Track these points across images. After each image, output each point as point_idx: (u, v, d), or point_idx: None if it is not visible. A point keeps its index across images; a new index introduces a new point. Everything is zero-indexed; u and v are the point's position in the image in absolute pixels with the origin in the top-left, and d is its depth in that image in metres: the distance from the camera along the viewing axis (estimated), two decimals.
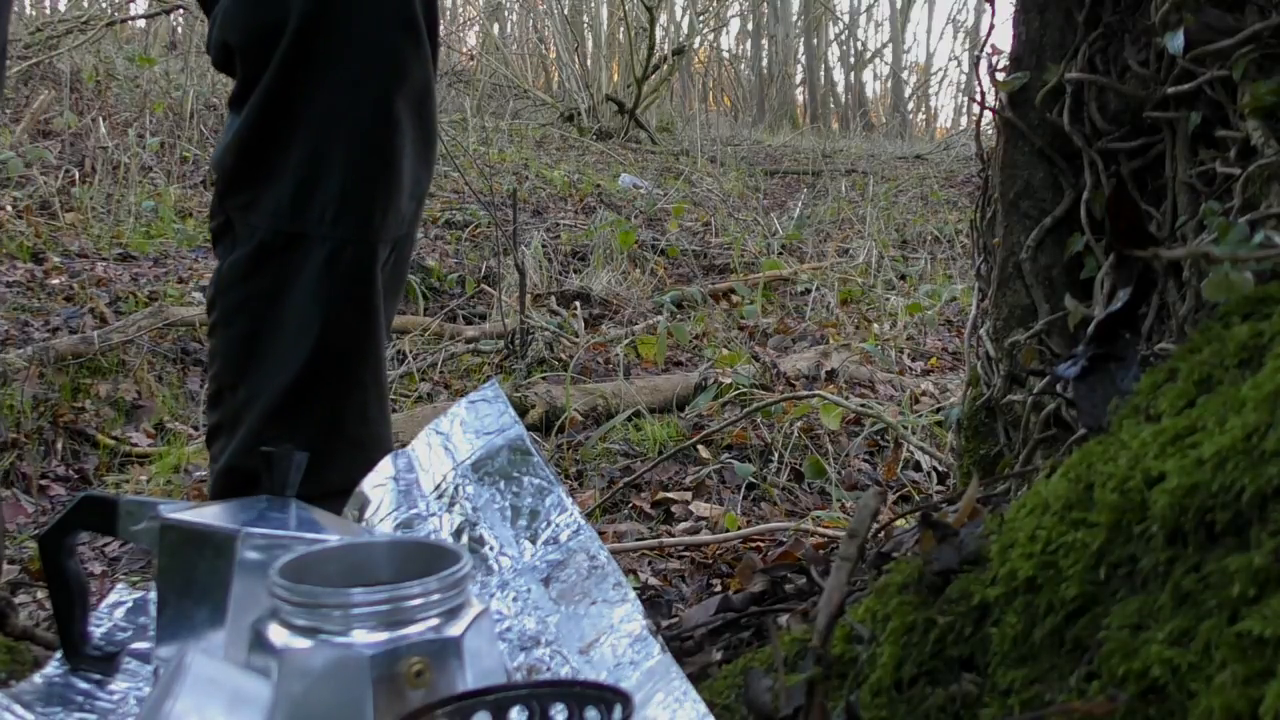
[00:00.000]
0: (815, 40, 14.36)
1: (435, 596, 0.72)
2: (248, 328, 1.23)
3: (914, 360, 3.38)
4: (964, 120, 12.84)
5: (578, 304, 3.71)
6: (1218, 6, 0.93)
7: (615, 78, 9.95)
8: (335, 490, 1.16)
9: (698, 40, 11.93)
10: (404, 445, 1.14)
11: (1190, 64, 0.94)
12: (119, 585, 1.14)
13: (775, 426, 2.43)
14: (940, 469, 2.17)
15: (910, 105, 15.14)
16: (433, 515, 1.02)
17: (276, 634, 0.71)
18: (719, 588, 1.51)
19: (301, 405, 1.21)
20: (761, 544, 1.76)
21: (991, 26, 1.23)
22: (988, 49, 1.17)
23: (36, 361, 2.56)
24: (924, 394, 2.84)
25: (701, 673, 0.92)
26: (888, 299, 4.13)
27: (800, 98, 14.29)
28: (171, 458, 2.27)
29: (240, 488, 1.14)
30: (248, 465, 1.18)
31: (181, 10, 6.46)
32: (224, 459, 1.24)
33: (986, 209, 1.19)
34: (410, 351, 3.10)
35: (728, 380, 2.81)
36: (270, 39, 1.16)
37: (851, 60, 14.91)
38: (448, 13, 10.54)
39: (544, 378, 2.94)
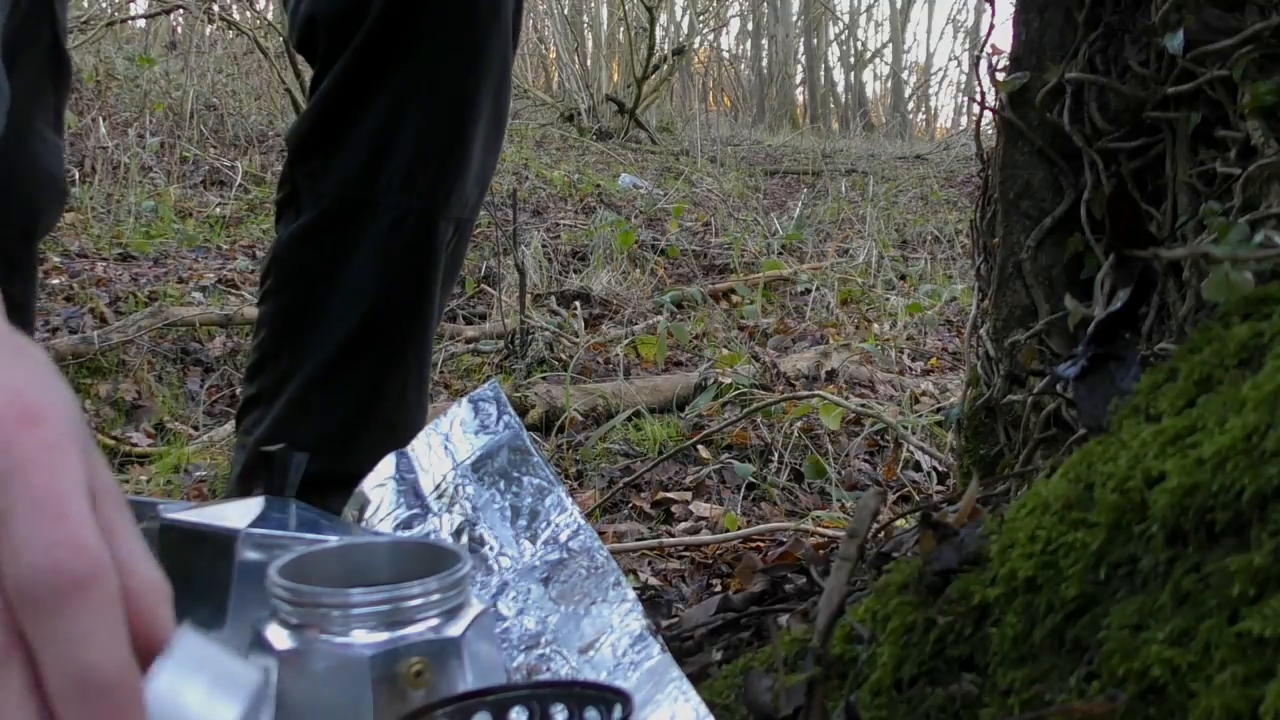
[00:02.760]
0: (815, 40, 14.35)
1: (435, 596, 0.72)
2: (303, 295, 1.24)
3: (914, 360, 3.38)
4: (964, 120, 12.84)
5: (578, 304, 3.70)
6: (1218, 6, 0.93)
7: (615, 78, 9.95)
8: (362, 474, 1.16)
9: (698, 40, 11.93)
10: None
11: (1190, 64, 0.94)
12: None
13: (775, 426, 2.42)
14: (940, 469, 2.17)
15: (910, 105, 15.14)
16: (433, 515, 1.02)
17: (276, 634, 0.71)
18: (719, 588, 1.51)
19: (344, 374, 1.22)
20: (761, 544, 1.76)
21: (991, 26, 1.23)
22: (988, 49, 1.17)
23: None
24: (924, 394, 2.84)
25: (701, 673, 0.92)
26: (888, 299, 4.12)
27: (800, 98, 14.28)
28: (171, 458, 2.27)
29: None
30: (285, 439, 1.18)
31: (181, 10, 6.46)
32: (260, 432, 1.24)
33: (986, 209, 1.19)
34: None
35: (728, 380, 2.80)
36: (358, 12, 1.18)
37: (851, 60, 14.91)
38: None
39: (544, 378, 2.94)
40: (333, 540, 0.85)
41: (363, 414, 1.23)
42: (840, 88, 14.89)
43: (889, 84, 15.38)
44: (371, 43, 1.18)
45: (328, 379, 1.21)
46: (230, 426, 2.28)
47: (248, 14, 6.70)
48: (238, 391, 2.09)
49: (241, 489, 1.25)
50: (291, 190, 1.26)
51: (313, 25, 1.22)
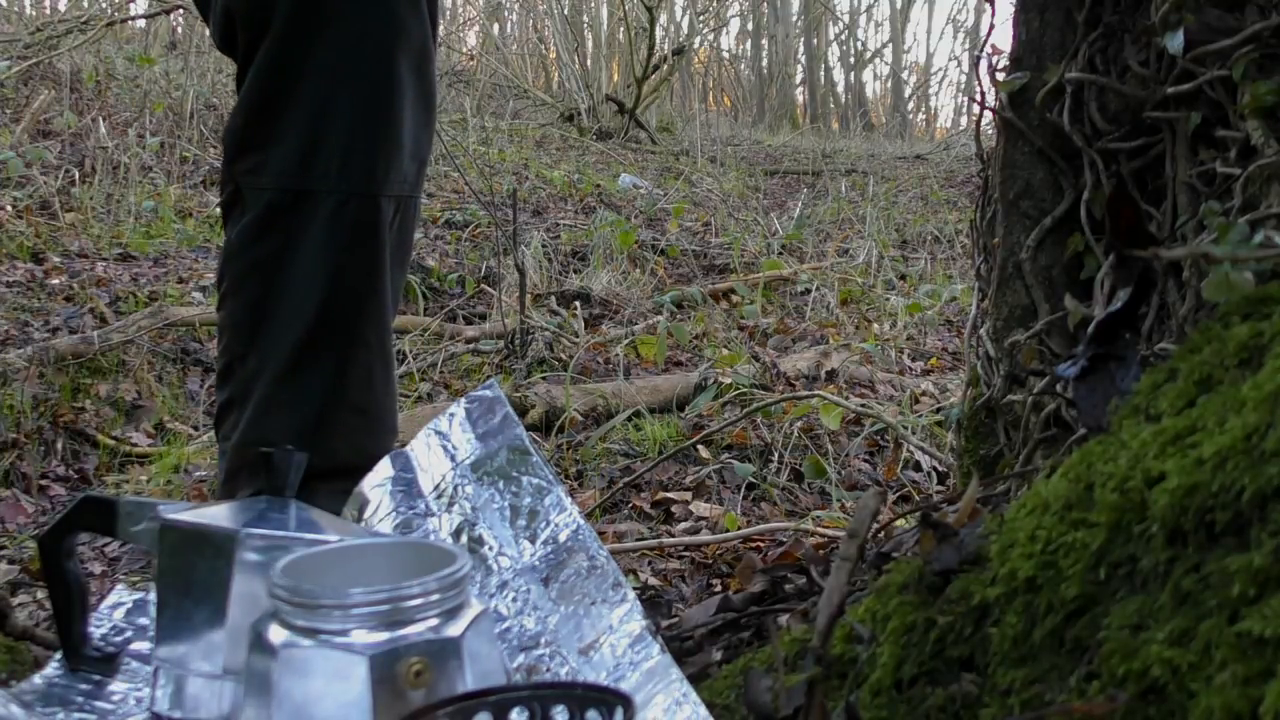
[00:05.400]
0: (815, 40, 14.35)
1: (435, 597, 0.72)
2: (257, 292, 1.25)
3: (914, 360, 3.38)
4: (964, 120, 12.84)
5: (578, 304, 3.70)
6: (1218, 6, 0.93)
7: (615, 78, 9.95)
8: (343, 465, 1.15)
9: (698, 40, 11.93)
10: (404, 445, 1.14)
11: (1190, 64, 0.94)
12: (119, 585, 1.15)
13: (775, 426, 2.42)
14: (940, 469, 2.17)
15: (910, 105, 15.14)
16: (432, 515, 1.02)
17: (276, 634, 0.71)
18: (719, 588, 1.51)
19: (309, 363, 1.23)
20: (761, 544, 1.76)
21: (991, 26, 1.23)
22: (988, 49, 1.17)
23: (36, 361, 2.56)
24: (924, 394, 2.83)
25: (701, 673, 0.92)
26: (888, 299, 4.12)
27: (800, 98, 14.28)
28: (171, 458, 2.27)
29: (256, 462, 1.14)
30: (261, 437, 1.19)
31: (181, 10, 6.46)
32: (237, 435, 1.25)
33: (986, 209, 1.19)
34: (410, 351, 3.10)
35: (728, 380, 2.80)
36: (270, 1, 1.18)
37: (851, 60, 14.91)
38: (448, 13, 10.54)
39: (544, 378, 2.94)
40: (332, 541, 0.85)
41: (331, 402, 1.24)
42: (840, 88, 14.90)
43: (889, 84, 15.38)
44: (289, 29, 1.19)
45: (294, 371, 1.23)
46: None
47: None
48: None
49: (226, 493, 1.25)
50: (234, 189, 1.27)
51: (230, 19, 1.23)
